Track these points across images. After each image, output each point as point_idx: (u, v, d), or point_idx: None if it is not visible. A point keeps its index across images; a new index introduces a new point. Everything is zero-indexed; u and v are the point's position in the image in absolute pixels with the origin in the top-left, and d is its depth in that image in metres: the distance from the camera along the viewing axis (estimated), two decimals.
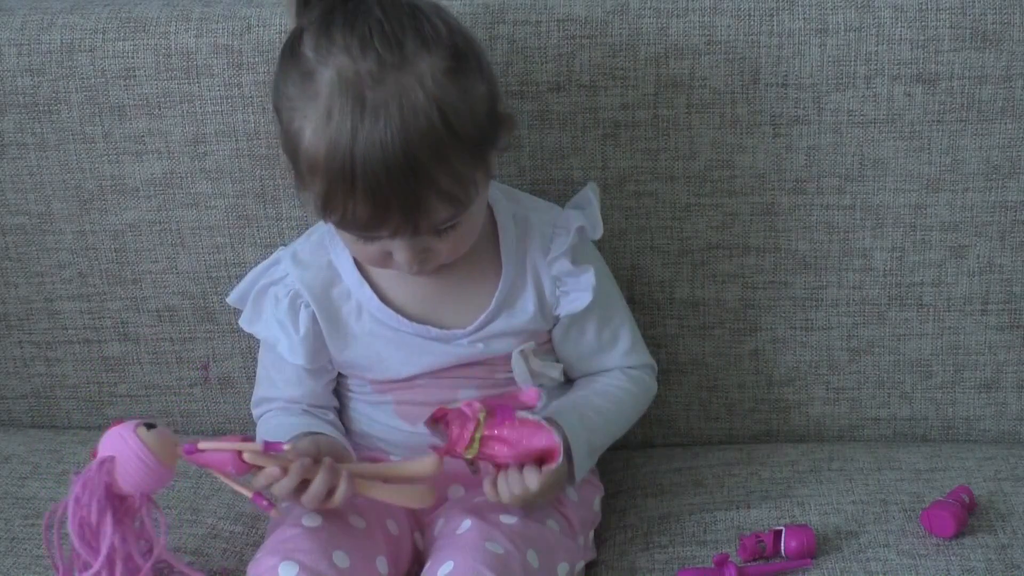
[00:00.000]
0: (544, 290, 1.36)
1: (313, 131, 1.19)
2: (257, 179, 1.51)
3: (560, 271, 1.35)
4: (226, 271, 1.55)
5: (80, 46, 1.49)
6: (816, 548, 1.32)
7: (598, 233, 1.39)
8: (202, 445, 1.21)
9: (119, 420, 1.23)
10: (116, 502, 1.20)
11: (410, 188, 1.18)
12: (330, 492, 1.23)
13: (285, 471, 1.21)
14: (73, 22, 1.50)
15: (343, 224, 1.23)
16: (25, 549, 1.39)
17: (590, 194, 1.41)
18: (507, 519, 1.29)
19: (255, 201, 1.52)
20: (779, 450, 1.53)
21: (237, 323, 1.54)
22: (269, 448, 1.21)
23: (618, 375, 1.41)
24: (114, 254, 1.56)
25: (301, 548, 1.24)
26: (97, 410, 1.64)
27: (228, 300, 1.41)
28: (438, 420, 1.27)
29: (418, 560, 1.33)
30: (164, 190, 1.53)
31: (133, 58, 1.49)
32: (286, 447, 1.22)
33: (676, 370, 1.55)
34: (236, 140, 1.50)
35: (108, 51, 1.49)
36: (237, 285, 1.40)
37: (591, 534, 1.39)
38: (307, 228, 1.46)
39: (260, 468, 1.22)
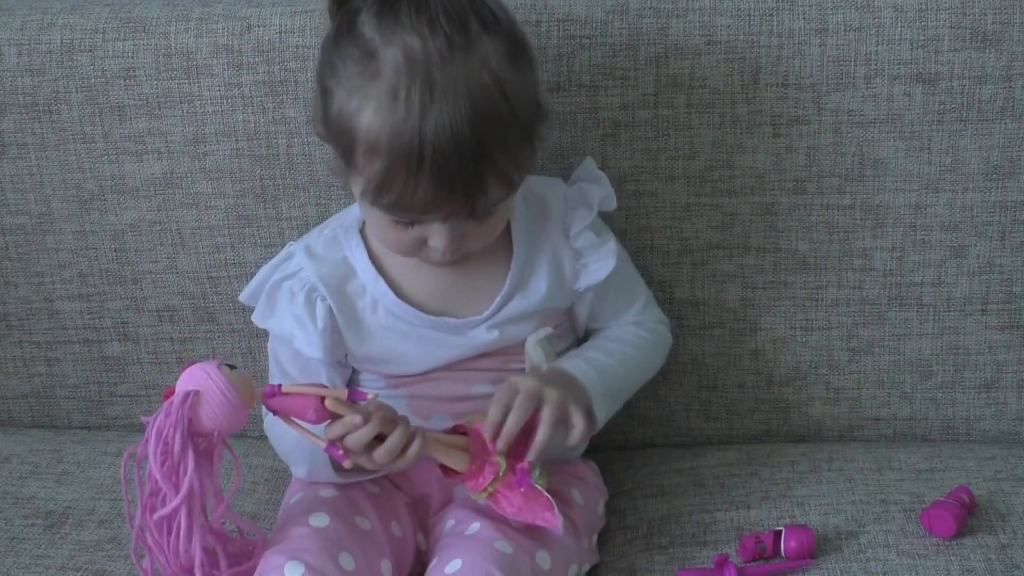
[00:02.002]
0: (563, 266, 1.36)
1: (375, 111, 1.18)
2: (257, 179, 1.51)
3: (584, 244, 1.36)
4: (226, 271, 1.55)
5: (80, 46, 1.49)
6: (816, 548, 1.32)
7: (613, 204, 1.40)
8: (286, 388, 1.20)
9: (192, 361, 1.20)
10: (196, 440, 1.18)
11: (474, 169, 1.18)
12: (403, 449, 1.22)
13: (364, 423, 1.20)
14: (73, 22, 1.50)
15: (396, 206, 1.22)
16: (25, 549, 1.39)
17: (593, 168, 1.41)
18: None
19: (255, 201, 1.52)
20: (779, 450, 1.53)
21: (237, 323, 1.55)
22: (353, 396, 1.20)
23: (628, 324, 1.42)
24: (114, 254, 1.56)
25: (308, 548, 1.24)
26: (97, 410, 1.64)
27: (240, 298, 1.40)
28: (458, 431, 1.28)
29: (420, 561, 1.34)
30: (164, 190, 1.53)
31: (133, 58, 1.49)
32: (370, 396, 1.20)
33: (676, 370, 1.55)
34: (236, 140, 1.50)
35: (108, 51, 1.49)
36: (248, 284, 1.39)
37: (595, 537, 1.39)
38: (307, 228, 1.46)
39: (338, 417, 1.20)
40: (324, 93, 1.24)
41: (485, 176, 1.19)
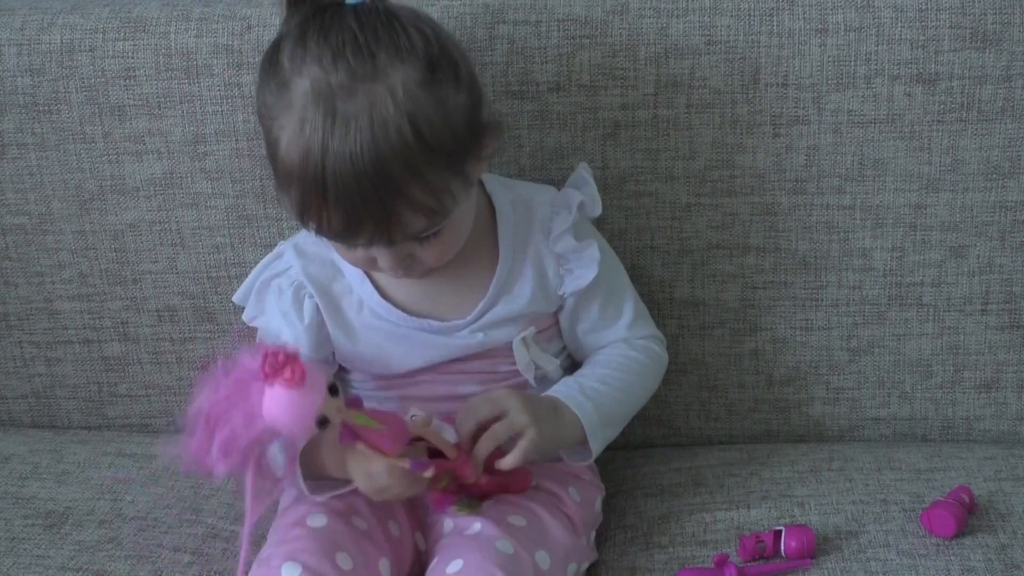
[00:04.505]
0: (546, 271, 1.36)
1: (288, 141, 1.19)
2: (257, 179, 1.51)
3: (564, 249, 1.36)
4: (226, 271, 1.55)
5: (80, 46, 1.50)
6: (816, 548, 1.32)
7: (597, 210, 1.40)
8: (360, 447, 1.19)
9: (291, 365, 1.10)
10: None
11: (380, 200, 1.18)
12: None
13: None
14: (73, 22, 1.50)
15: (320, 232, 1.23)
16: (25, 549, 1.39)
17: (584, 174, 1.41)
18: (516, 520, 1.29)
19: (255, 201, 1.52)
20: (779, 450, 1.53)
21: (238, 323, 1.54)
22: (416, 469, 1.20)
23: (622, 346, 1.40)
24: (114, 254, 1.56)
25: (305, 549, 1.24)
26: (97, 410, 1.64)
27: (234, 299, 1.41)
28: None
29: (419, 561, 1.34)
30: (164, 190, 1.53)
31: (133, 58, 1.49)
32: (428, 475, 1.20)
33: (676, 370, 1.55)
34: (236, 140, 1.50)
35: (108, 51, 1.49)
36: (241, 285, 1.40)
37: (592, 535, 1.39)
38: None
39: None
40: (259, 119, 1.26)
41: (396, 207, 1.19)
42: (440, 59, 1.22)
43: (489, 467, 1.26)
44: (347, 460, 1.24)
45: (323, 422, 1.14)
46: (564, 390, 1.34)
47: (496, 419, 1.26)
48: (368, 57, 1.18)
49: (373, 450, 1.19)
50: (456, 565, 1.23)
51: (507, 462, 1.25)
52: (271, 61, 1.23)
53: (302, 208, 1.21)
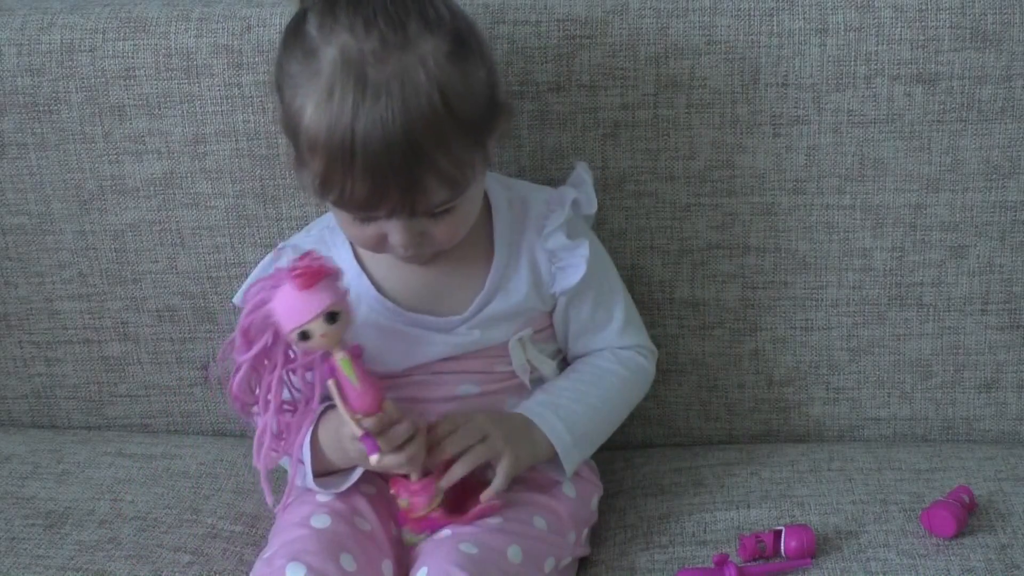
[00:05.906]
0: (539, 268, 1.37)
1: (314, 108, 1.20)
2: (257, 179, 1.51)
3: (555, 245, 1.36)
4: (226, 271, 1.55)
5: (80, 46, 1.50)
6: (816, 548, 1.32)
7: (592, 208, 1.40)
8: (338, 389, 1.22)
9: (306, 269, 1.20)
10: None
11: (408, 168, 1.19)
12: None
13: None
14: (73, 22, 1.50)
15: (340, 203, 1.23)
16: (25, 549, 1.39)
17: (582, 173, 1.42)
18: (491, 519, 1.29)
19: (255, 201, 1.52)
20: (779, 450, 1.54)
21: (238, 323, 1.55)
22: (364, 443, 1.22)
23: (607, 356, 1.41)
24: (114, 254, 1.56)
25: (309, 550, 1.25)
26: (97, 410, 1.64)
27: (235, 301, 1.41)
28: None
29: None
30: (164, 190, 1.53)
31: (133, 58, 1.49)
32: (372, 460, 1.22)
33: (676, 370, 1.55)
34: (236, 140, 1.50)
35: (108, 51, 1.49)
36: (241, 287, 1.39)
37: (585, 531, 1.39)
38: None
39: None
40: (277, 91, 1.27)
41: (422, 176, 1.20)
42: (466, 34, 1.24)
43: (451, 502, 1.28)
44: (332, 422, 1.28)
45: (304, 336, 1.20)
46: (538, 410, 1.34)
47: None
48: (400, 27, 1.19)
49: (340, 399, 1.22)
50: (421, 573, 1.24)
51: (489, 493, 1.28)
52: (296, 32, 1.24)
53: (325, 177, 1.21)
